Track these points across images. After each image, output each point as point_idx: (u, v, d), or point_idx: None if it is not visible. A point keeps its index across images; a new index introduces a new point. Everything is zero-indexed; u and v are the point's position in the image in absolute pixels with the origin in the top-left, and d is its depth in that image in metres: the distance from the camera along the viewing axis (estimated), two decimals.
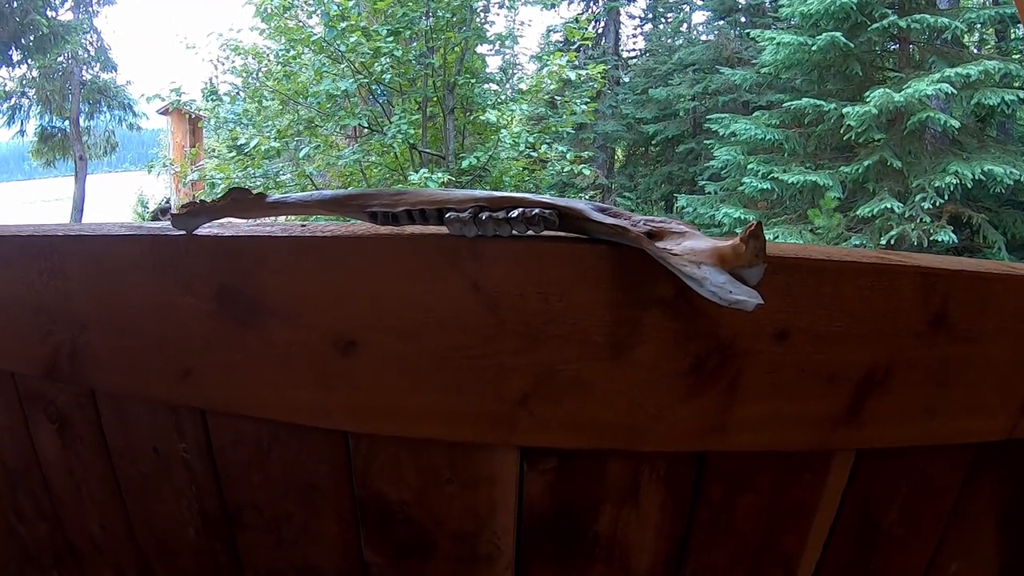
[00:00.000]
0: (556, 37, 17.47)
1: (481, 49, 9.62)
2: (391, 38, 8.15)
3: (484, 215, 0.68)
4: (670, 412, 0.72)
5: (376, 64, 7.77)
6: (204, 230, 0.80)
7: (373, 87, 8.17)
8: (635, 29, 20.44)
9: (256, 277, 0.76)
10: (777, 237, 10.86)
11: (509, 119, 8.30)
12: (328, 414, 0.77)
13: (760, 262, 0.60)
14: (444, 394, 0.73)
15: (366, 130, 8.33)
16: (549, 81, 8.17)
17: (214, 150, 13.05)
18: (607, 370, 0.71)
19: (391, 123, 7.71)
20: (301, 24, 8.62)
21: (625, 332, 0.70)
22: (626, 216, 0.69)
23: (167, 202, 17.65)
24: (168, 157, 11.84)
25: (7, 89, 18.55)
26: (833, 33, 9.58)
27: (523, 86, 10.05)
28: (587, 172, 9.12)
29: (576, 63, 8.78)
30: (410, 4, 8.36)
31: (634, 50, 19.91)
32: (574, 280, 0.69)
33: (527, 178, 9.19)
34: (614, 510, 0.77)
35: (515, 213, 0.67)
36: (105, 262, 0.84)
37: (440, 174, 7.21)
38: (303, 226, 0.80)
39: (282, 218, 0.98)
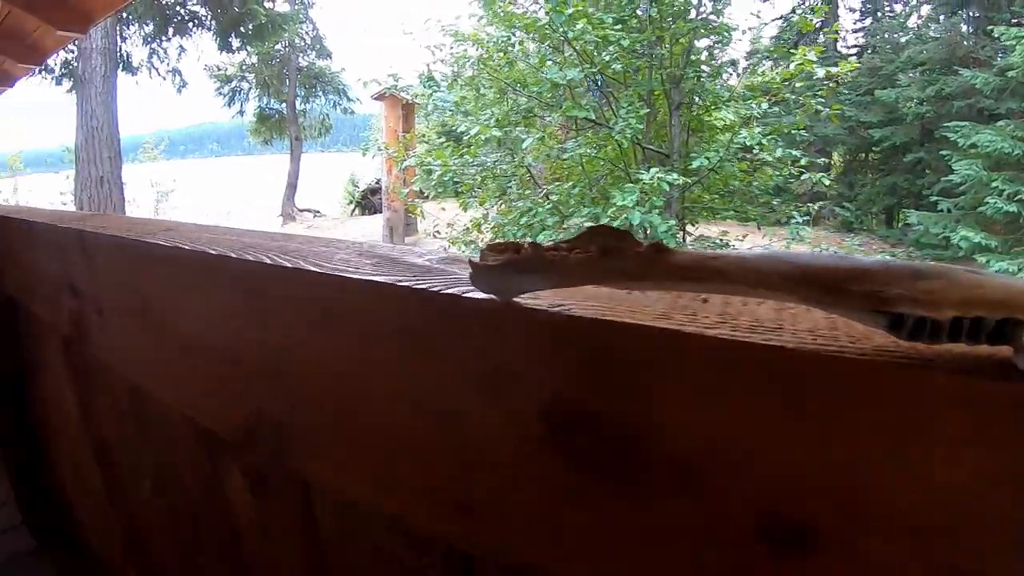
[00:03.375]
0: (769, 32, 16.44)
1: (703, 42, 8.88)
2: (619, 26, 7.62)
3: None
4: None
5: (604, 53, 7.24)
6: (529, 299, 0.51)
7: (597, 78, 7.66)
8: (855, 23, 18.97)
9: (624, 396, 0.46)
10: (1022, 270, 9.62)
11: (745, 117, 7.52)
12: None
13: None
14: None
15: (583, 122, 7.85)
16: (792, 77, 7.29)
17: (424, 135, 13.24)
18: None
19: (618, 116, 7.16)
20: (524, 11, 8.26)
21: None
22: None
23: (377, 183, 18.46)
24: (381, 141, 12.13)
25: (228, 73, 20.46)
26: None
27: (741, 81, 9.26)
28: (826, 181, 8.13)
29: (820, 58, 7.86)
30: None
31: (854, 46, 18.41)
32: None
33: (746, 182, 8.39)
34: None
35: None
36: (335, 314, 0.64)
37: (675, 176, 6.57)
38: (704, 300, 0.49)
39: None
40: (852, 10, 19.16)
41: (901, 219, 14.85)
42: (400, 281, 0.58)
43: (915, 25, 17.69)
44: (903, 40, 17.03)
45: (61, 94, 14.65)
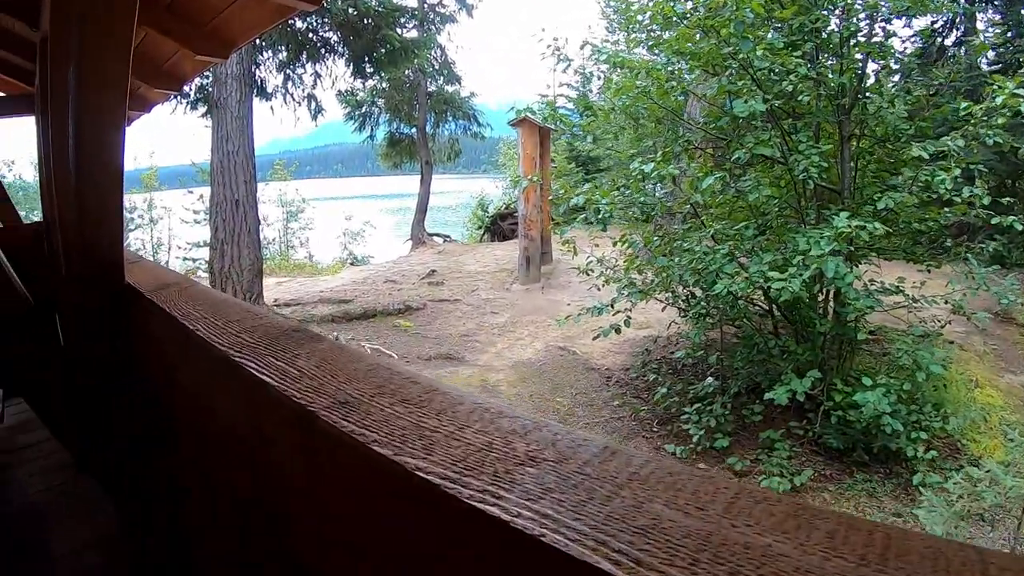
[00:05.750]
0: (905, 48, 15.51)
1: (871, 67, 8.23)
2: (797, 52, 7.12)
3: None
4: None
5: (785, 82, 6.76)
6: None
7: (775, 110, 7.16)
8: (996, 36, 17.70)
9: None
10: None
11: (935, 153, 6.89)
12: None
13: None
14: None
15: (755, 157, 7.36)
16: (996, 111, 6.62)
17: (553, 160, 12.98)
18: None
19: (802, 154, 6.65)
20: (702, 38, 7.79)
21: None
22: None
23: (505, 208, 18.47)
24: (510, 166, 12.04)
25: (359, 98, 20.79)
26: None
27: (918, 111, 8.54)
28: (1019, 227, 7.24)
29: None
30: (815, 12, 7.29)
31: (997, 63, 17.16)
32: None
33: (921, 220, 7.70)
34: None
35: None
36: None
37: (876, 225, 5.99)
38: None
39: None
40: (993, 24, 17.97)
41: None
42: None
43: None
44: None
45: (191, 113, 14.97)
